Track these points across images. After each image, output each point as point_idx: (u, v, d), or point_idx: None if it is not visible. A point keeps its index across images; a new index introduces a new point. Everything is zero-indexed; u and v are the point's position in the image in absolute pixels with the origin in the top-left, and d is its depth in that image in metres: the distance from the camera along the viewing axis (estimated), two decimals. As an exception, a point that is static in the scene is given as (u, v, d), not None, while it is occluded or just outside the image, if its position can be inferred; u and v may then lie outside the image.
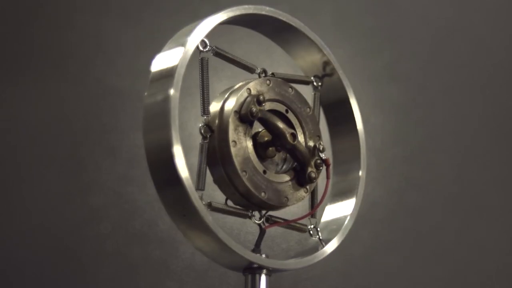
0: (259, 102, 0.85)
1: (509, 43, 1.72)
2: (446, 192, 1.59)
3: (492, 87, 1.68)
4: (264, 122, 0.86)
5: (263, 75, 0.92)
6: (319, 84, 0.99)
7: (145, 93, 0.75)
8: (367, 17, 1.70)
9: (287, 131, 0.86)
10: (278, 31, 0.95)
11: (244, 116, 0.84)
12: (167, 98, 0.74)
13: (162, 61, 0.79)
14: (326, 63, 0.98)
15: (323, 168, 0.91)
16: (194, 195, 0.76)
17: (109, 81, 1.62)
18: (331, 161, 0.91)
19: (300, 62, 1.00)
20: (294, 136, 0.87)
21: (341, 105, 0.99)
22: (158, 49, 1.64)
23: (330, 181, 0.92)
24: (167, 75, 0.76)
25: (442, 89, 1.67)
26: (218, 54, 0.88)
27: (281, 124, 0.86)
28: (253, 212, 0.87)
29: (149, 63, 1.64)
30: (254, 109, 0.84)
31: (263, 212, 0.88)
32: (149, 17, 1.67)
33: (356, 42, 1.68)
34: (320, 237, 0.95)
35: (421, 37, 1.70)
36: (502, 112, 1.66)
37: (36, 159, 1.56)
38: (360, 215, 1.58)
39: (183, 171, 0.74)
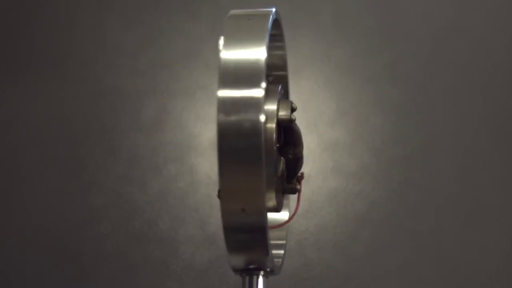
0: (292, 109, 0.85)
1: (509, 43, 1.71)
2: (446, 192, 1.59)
3: (492, 87, 1.67)
4: (289, 128, 0.86)
5: None
6: None
7: (222, 83, 0.73)
8: (367, 17, 1.70)
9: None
10: None
11: (284, 121, 0.83)
12: (257, 96, 0.73)
13: (239, 55, 0.77)
14: (280, 67, 0.98)
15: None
16: (264, 185, 0.73)
17: (109, 81, 1.62)
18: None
19: None
20: (302, 146, 0.88)
21: None
22: (158, 49, 1.65)
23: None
24: (253, 73, 0.75)
25: (442, 89, 1.66)
26: None
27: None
28: None
29: (149, 63, 1.64)
30: (293, 117, 0.84)
31: None
32: (149, 17, 1.67)
33: (356, 42, 1.68)
34: None
35: (421, 37, 1.70)
36: (502, 112, 1.66)
37: (36, 159, 1.56)
38: (360, 215, 1.59)
39: (264, 159, 0.73)
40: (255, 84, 0.74)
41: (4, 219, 1.52)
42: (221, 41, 0.79)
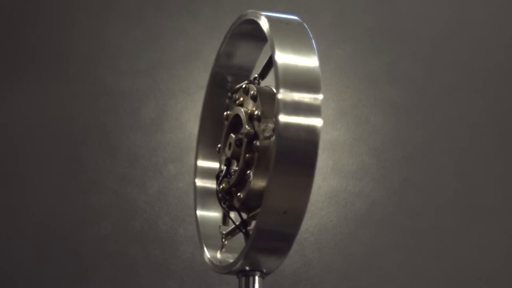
0: None
1: (509, 44, 1.72)
2: (446, 192, 1.59)
3: (492, 87, 1.68)
4: None
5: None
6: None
7: (283, 86, 0.74)
8: (367, 17, 1.70)
9: None
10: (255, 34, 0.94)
11: None
12: (316, 104, 0.75)
13: (295, 61, 0.78)
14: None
15: None
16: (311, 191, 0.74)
17: (109, 81, 1.62)
18: None
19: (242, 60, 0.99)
20: None
21: None
22: (158, 49, 1.65)
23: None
24: (312, 80, 0.78)
25: (442, 89, 1.67)
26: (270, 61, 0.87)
27: None
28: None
29: (149, 63, 1.64)
30: None
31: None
32: (149, 17, 1.67)
33: (356, 42, 1.68)
34: (225, 243, 0.95)
35: (421, 37, 1.70)
36: (501, 112, 1.66)
37: (36, 159, 1.56)
38: (360, 215, 1.59)
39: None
40: (314, 90, 0.76)
41: (4, 219, 1.52)
42: (265, 23, 0.80)
